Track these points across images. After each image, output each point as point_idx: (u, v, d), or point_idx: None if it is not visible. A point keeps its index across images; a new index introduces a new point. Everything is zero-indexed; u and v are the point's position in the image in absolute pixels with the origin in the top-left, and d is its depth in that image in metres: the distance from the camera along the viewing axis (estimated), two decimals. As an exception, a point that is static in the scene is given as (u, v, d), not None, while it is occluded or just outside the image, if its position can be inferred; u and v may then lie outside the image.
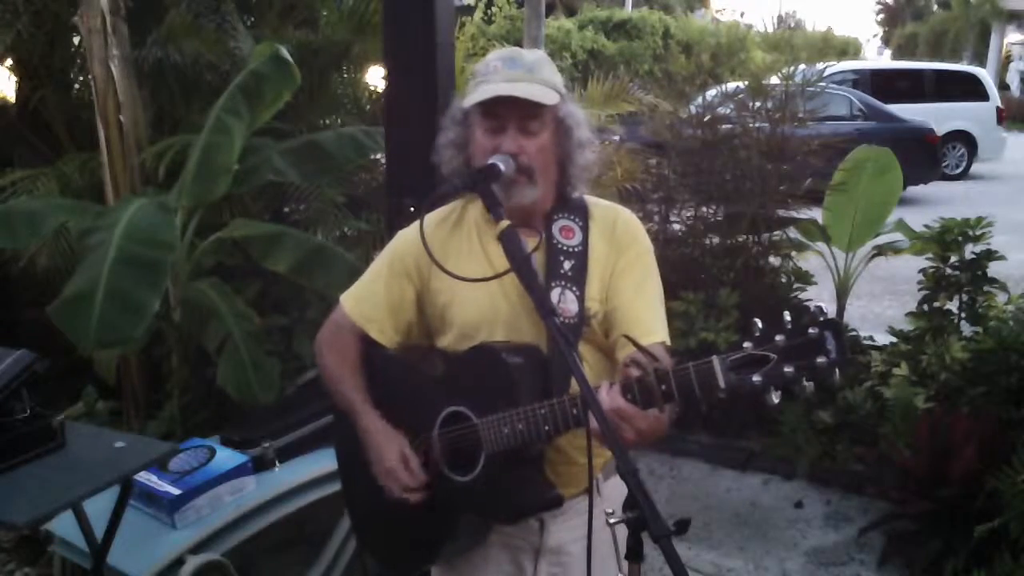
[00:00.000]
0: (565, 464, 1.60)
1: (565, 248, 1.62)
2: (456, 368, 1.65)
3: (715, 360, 1.23)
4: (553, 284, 1.58)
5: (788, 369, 1.18)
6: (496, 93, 1.52)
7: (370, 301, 1.71)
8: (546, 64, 1.61)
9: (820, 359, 1.17)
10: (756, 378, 1.19)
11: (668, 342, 1.58)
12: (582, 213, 1.67)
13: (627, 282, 1.61)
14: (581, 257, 1.62)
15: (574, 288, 1.59)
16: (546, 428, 1.45)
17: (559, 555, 1.68)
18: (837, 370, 1.18)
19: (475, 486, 1.55)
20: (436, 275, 1.62)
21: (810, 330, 1.18)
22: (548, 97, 1.55)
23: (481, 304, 1.61)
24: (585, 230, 1.65)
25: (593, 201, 1.71)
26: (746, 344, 1.21)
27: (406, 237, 1.71)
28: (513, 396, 1.49)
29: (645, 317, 1.58)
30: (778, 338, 1.19)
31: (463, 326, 1.63)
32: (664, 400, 1.30)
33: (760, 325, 1.22)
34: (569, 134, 1.61)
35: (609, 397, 1.33)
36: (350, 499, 1.85)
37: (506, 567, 1.70)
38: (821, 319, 1.19)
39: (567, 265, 1.60)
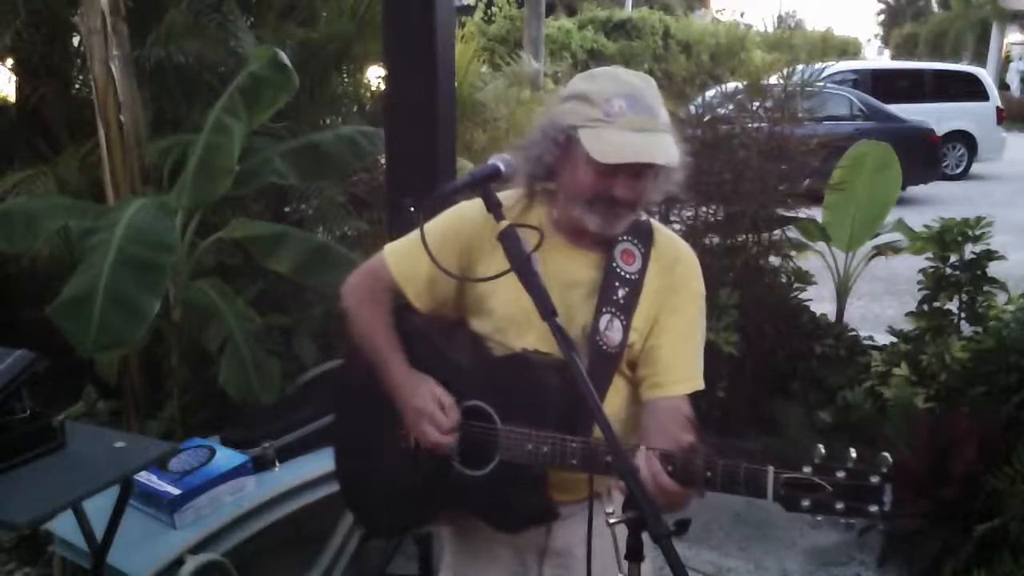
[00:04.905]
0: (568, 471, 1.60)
1: (623, 274, 1.58)
2: (487, 365, 1.61)
3: (770, 472, 1.25)
4: (604, 310, 1.55)
5: (839, 506, 1.20)
6: (637, 158, 1.43)
7: (412, 263, 1.63)
8: (659, 98, 1.50)
9: (873, 507, 1.19)
10: (806, 503, 1.21)
11: (701, 386, 1.57)
12: (646, 239, 1.63)
13: (674, 322, 1.58)
14: (636, 285, 1.58)
15: (622, 317, 1.55)
16: (573, 462, 1.44)
17: (565, 557, 1.67)
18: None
19: (478, 484, 1.55)
20: (483, 261, 1.59)
21: (872, 478, 1.19)
22: (675, 154, 1.47)
23: (521, 303, 1.51)
24: (645, 257, 1.61)
25: (658, 228, 1.67)
26: (806, 468, 1.22)
27: (469, 216, 1.63)
28: (543, 414, 1.47)
29: (684, 364, 1.57)
30: (839, 474, 1.20)
31: (498, 320, 1.60)
32: (705, 485, 1.31)
33: (823, 452, 1.23)
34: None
35: (648, 465, 1.33)
36: (339, 458, 1.83)
37: (512, 566, 1.71)
38: (884, 470, 1.20)
39: (621, 292, 1.57)
